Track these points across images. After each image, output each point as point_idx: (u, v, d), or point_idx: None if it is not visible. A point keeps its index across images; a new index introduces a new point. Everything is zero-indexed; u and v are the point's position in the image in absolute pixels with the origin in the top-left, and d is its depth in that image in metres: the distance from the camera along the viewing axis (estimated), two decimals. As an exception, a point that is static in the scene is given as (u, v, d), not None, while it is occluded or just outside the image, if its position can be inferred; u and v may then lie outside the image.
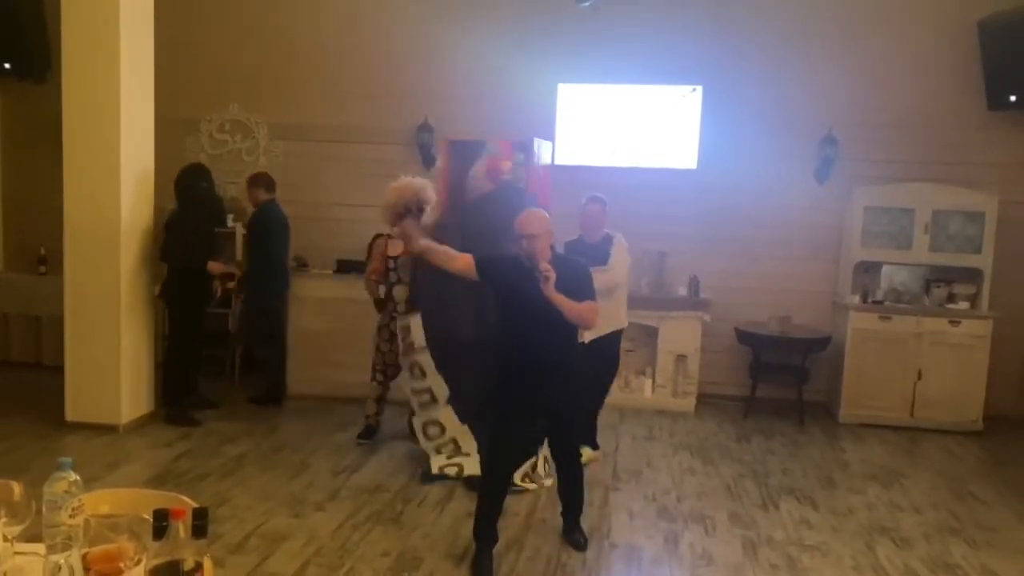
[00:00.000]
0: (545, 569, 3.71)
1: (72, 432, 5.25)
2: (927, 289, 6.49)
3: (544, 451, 4.87)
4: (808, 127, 6.70)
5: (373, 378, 5.43)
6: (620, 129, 6.92)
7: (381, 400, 5.48)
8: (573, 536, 3.96)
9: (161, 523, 1.49)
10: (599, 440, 5.39)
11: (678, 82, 6.80)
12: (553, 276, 3.39)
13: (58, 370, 5.58)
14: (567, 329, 3.65)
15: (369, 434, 5.44)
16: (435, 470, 4.73)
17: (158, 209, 5.79)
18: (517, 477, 4.59)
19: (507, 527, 4.11)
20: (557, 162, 6.21)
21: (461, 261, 3.71)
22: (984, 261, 6.32)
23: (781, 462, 5.39)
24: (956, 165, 6.54)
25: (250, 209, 6.26)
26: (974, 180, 6.46)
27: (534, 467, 4.73)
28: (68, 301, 5.39)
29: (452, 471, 4.71)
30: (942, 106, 6.60)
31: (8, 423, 5.40)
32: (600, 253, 5.07)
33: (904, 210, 6.42)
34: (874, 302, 6.43)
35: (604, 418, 6.25)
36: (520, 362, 3.65)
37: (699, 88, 6.77)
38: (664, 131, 6.86)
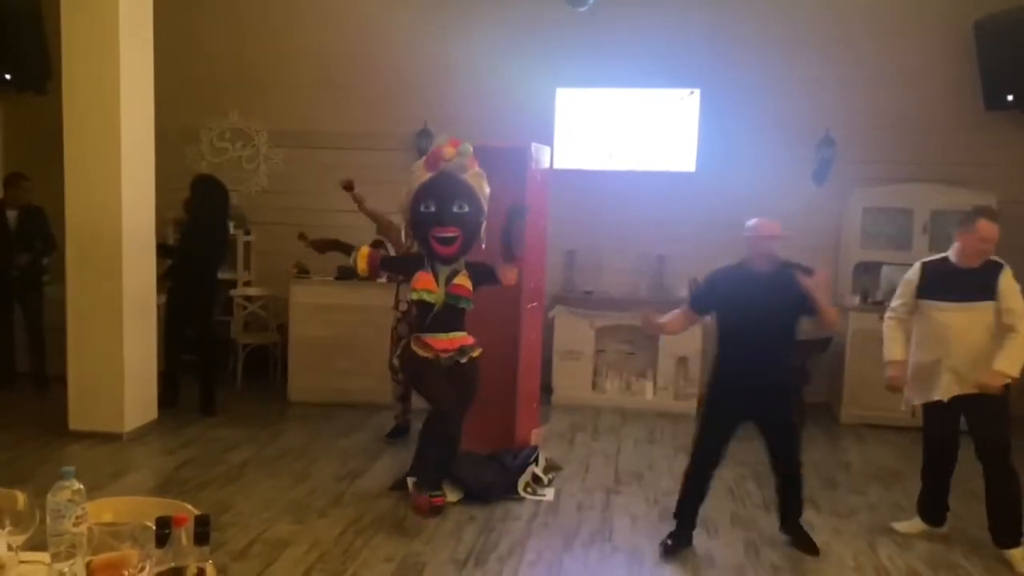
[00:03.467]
0: (547, 572, 3.72)
1: (75, 441, 5.27)
2: (927, 289, 6.49)
3: (542, 464, 4.89)
4: (806, 129, 6.72)
5: (393, 377, 5.49)
6: (618, 133, 6.95)
7: (405, 399, 5.51)
8: (801, 535, 4.00)
9: (164, 530, 1.51)
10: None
11: (676, 85, 6.82)
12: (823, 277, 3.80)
13: (61, 379, 5.60)
14: (790, 342, 3.93)
15: (398, 433, 5.49)
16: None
17: (159, 219, 5.82)
18: (520, 487, 4.61)
19: (509, 531, 4.13)
20: (556, 166, 6.24)
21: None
22: (983, 261, 6.32)
23: (783, 463, 5.39)
24: (954, 165, 6.55)
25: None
26: (972, 180, 6.48)
27: (535, 478, 4.74)
28: (71, 310, 5.41)
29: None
30: (939, 107, 6.62)
31: (11, 432, 5.42)
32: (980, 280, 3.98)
33: (903, 211, 6.43)
34: (874, 303, 6.43)
35: (604, 421, 6.28)
36: (744, 375, 3.84)
37: (697, 91, 6.79)
38: (662, 134, 6.88)
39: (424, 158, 4.13)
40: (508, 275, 4.21)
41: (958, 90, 6.56)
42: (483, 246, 4.21)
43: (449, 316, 4.18)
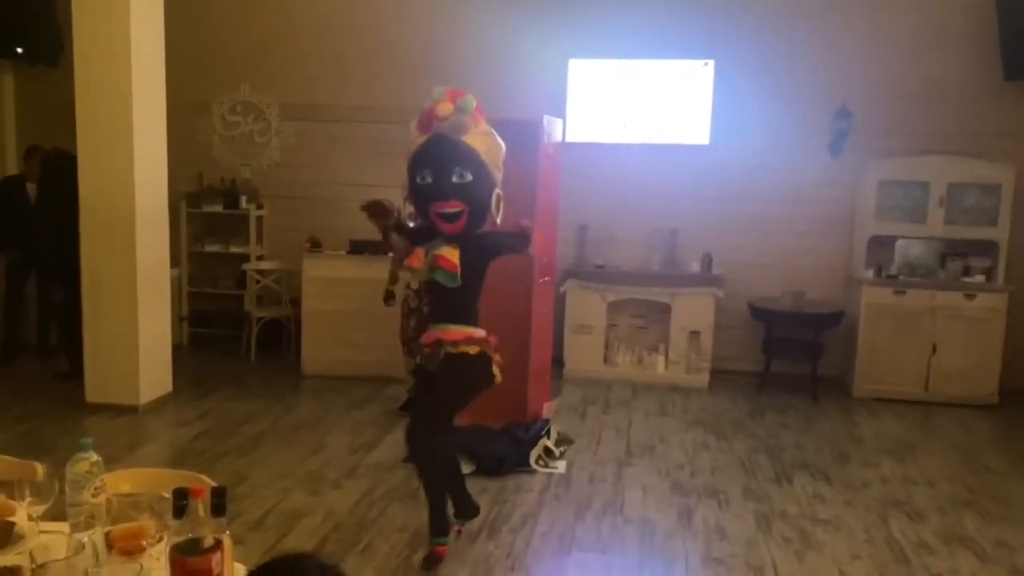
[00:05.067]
0: (559, 544, 3.75)
1: (92, 413, 5.33)
2: (942, 263, 6.45)
3: (554, 437, 4.91)
4: (821, 100, 6.64)
5: (405, 352, 5.51)
6: (632, 105, 6.88)
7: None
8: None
9: (181, 502, 1.53)
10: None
11: (690, 56, 6.74)
12: None
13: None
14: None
15: (409, 406, 5.52)
16: None
17: (172, 192, 5.84)
18: (532, 459, 4.64)
19: (521, 503, 4.16)
20: (568, 139, 6.20)
21: None
22: (1000, 234, 6.27)
23: (795, 437, 5.40)
24: (972, 137, 6.46)
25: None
26: (990, 152, 6.39)
27: (547, 450, 4.77)
28: (85, 284, 5.45)
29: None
30: (957, 77, 6.51)
31: (29, 405, 5.49)
32: None
33: (919, 183, 6.36)
34: (888, 276, 6.39)
35: (616, 394, 6.30)
36: None
37: (711, 62, 6.71)
38: (676, 106, 6.82)
39: (417, 118, 3.40)
40: (536, 241, 3.46)
41: (977, 60, 6.46)
42: (497, 220, 3.48)
43: (440, 301, 3.51)
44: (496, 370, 3.51)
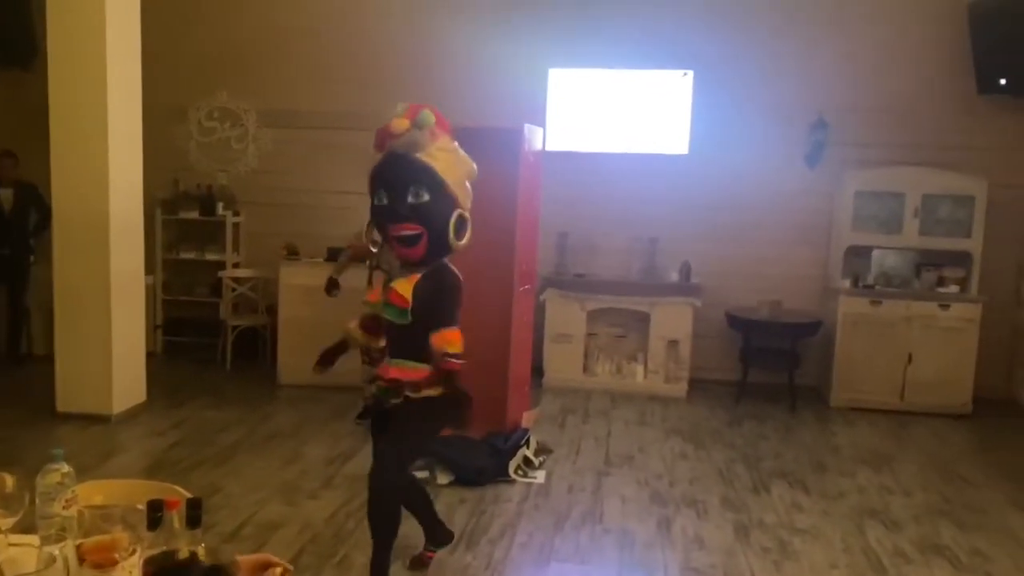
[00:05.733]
0: (538, 554, 3.73)
1: (64, 423, 5.23)
2: (917, 273, 6.52)
3: (533, 447, 4.90)
4: (799, 112, 6.71)
5: (363, 360, 5.45)
6: (611, 114, 6.91)
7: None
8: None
9: (155, 513, 1.49)
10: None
11: (669, 67, 6.79)
12: None
13: (42, 360, 5.56)
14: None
15: (367, 415, 5.46)
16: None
17: (148, 197, 5.77)
18: (511, 469, 4.61)
19: (501, 513, 4.14)
20: (548, 148, 6.20)
21: None
22: (974, 245, 6.35)
23: (772, 446, 5.43)
24: (946, 149, 6.55)
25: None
26: (964, 164, 6.48)
27: (526, 460, 4.74)
28: (58, 291, 5.36)
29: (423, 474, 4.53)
30: (932, 90, 6.61)
31: (-1, 414, 5.39)
32: None
33: (894, 194, 6.43)
34: (864, 286, 6.45)
35: (595, 403, 6.29)
36: None
37: (690, 73, 6.76)
38: (656, 116, 6.85)
39: (447, 128, 3.16)
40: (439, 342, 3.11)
41: (951, 73, 6.56)
42: (460, 244, 3.15)
43: (394, 336, 3.19)
44: (463, 407, 3.17)
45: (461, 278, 3.17)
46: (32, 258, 6.62)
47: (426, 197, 3.03)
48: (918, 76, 6.61)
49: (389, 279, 3.19)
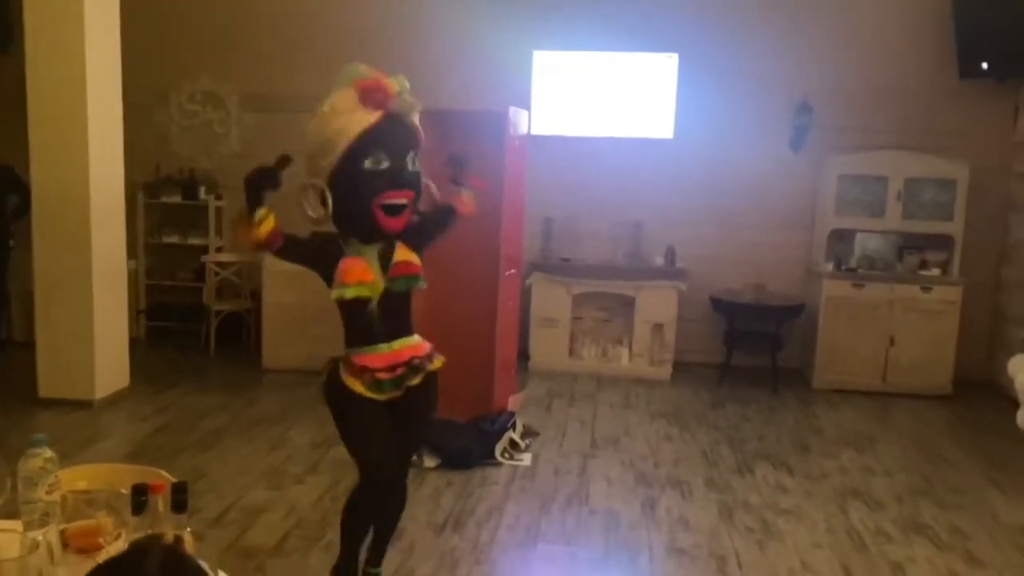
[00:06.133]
0: (525, 536, 3.75)
1: (46, 408, 5.19)
2: (900, 256, 6.57)
3: (519, 430, 4.91)
4: (783, 95, 6.72)
5: None
6: (597, 97, 6.89)
7: None
8: None
9: (140, 498, 1.49)
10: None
11: (654, 49, 6.77)
12: None
13: (23, 345, 5.51)
14: None
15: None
16: None
17: (129, 182, 5.71)
18: (497, 452, 4.63)
19: (487, 496, 4.15)
20: (533, 132, 6.18)
21: None
22: (955, 228, 6.40)
23: (756, 428, 5.47)
24: (929, 134, 6.59)
25: None
26: (947, 148, 6.52)
27: (512, 443, 4.76)
28: (38, 277, 5.30)
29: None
30: (915, 74, 6.63)
31: (-20, 400, 5.34)
32: None
33: (877, 178, 6.47)
34: (847, 270, 6.49)
35: (581, 387, 6.31)
36: None
37: (675, 56, 6.74)
38: (641, 100, 6.84)
39: (354, 90, 2.76)
40: (465, 202, 3.10)
41: (934, 59, 6.58)
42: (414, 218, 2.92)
43: (392, 314, 2.89)
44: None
45: None
46: (12, 243, 6.54)
47: (418, 165, 2.86)
48: (901, 61, 6.63)
49: (359, 256, 2.83)
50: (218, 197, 7.24)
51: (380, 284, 2.83)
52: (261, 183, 2.91)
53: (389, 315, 2.89)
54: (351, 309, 2.90)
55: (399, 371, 2.86)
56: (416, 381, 2.88)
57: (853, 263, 6.56)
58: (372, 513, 3.01)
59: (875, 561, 3.60)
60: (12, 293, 6.69)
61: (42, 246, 5.27)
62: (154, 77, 7.08)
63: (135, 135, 5.78)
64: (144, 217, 7.20)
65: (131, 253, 6.20)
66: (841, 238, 6.61)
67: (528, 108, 6.03)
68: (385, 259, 2.85)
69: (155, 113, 7.29)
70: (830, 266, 6.50)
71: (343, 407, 2.89)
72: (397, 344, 2.90)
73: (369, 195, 2.76)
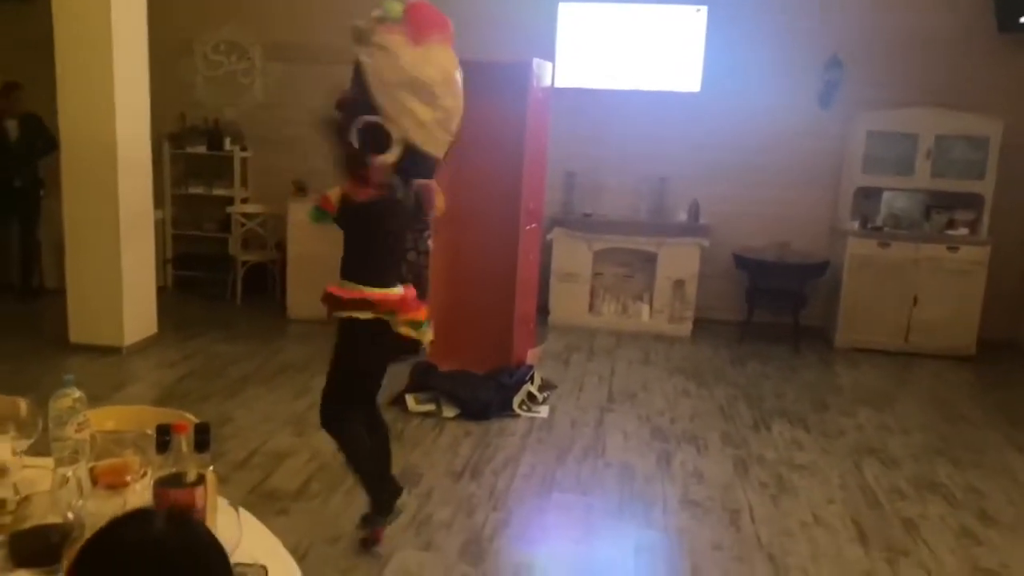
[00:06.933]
0: (540, 485, 3.82)
1: (76, 354, 5.33)
2: (927, 215, 6.48)
3: (537, 383, 4.96)
4: (814, 50, 6.58)
5: None
6: (622, 50, 6.79)
7: None
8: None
9: (164, 437, 1.54)
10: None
11: (683, 2, 6.64)
12: None
13: (53, 293, 5.64)
14: None
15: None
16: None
17: (155, 132, 5.75)
18: (515, 404, 4.69)
19: (504, 446, 4.22)
20: (557, 84, 6.12)
21: None
22: (986, 187, 6.28)
23: (775, 385, 5.48)
24: (962, 90, 6.43)
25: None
26: (980, 105, 6.37)
27: (530, 396, 4.81)
28: (68, 225, 5.40)
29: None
30: (950, 28, 6.45)
31: (12, 344, 5.48)
32: None
33: (907, 135, 6.35)
34: (873, 228, 6.42)
35: (600, 342, 6.34)
36: None
37: (704, 8, 6.61)
38: (667, 52, 6.73)
39: (421, 29, 2.87)
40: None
41: (970, 11, 6.40)
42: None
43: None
44: (410, 334, 3.03)
45: None
46: (42, 192, 6.65)
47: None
48: (937, 14, 6.45)
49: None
50: (243, 148, 7.28)
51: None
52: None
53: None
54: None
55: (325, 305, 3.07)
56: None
57: (879, 221, 6.48)
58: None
59: (887, 517, 3.64)
60: (43, 242, 6.83)
61: (71, 196, 5.36)
62: (178, 27, 7.08)
63: (160, 85, 5.80)
64: (170, 167, 7.27)
65: (158, 203, 6.27)
66: (867, 196, 6.52)
67: (552, 60, 5.96)
68: None
69: (180, 63, 7.30)
70: (855, 224, 6.43)
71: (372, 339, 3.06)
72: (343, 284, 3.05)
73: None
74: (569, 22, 6.79)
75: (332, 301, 3.01)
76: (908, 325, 6.33)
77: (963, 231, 6.32)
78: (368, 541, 3.16)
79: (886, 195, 6.50)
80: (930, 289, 6.27)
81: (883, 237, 6.34)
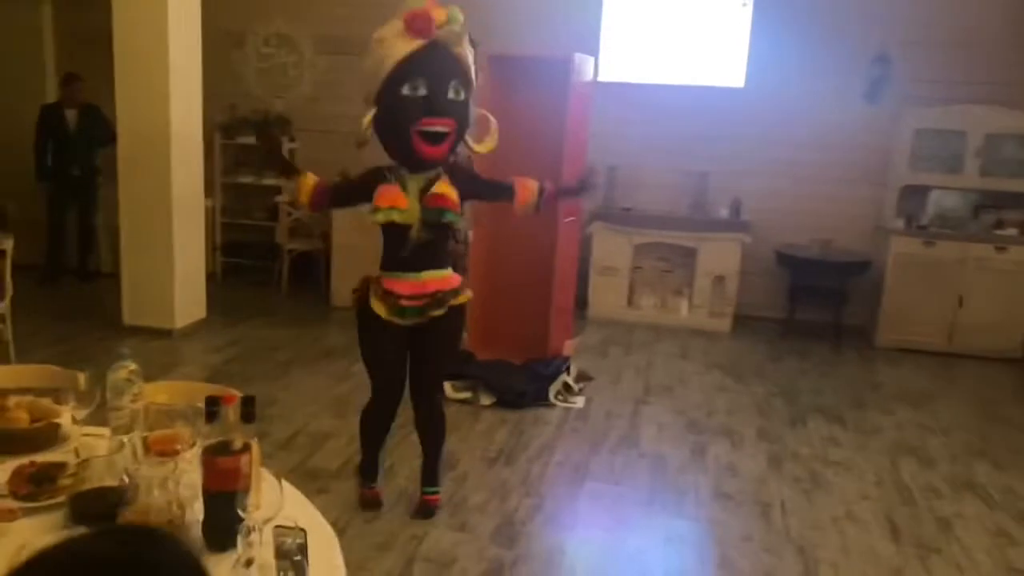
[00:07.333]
0: (574, 473, 3.88)
1: (129, 335, 5.52)
2: (975, 214, 6.37)
3: (573, 374, 5.01)
4: (861, 46, 6.50)
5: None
6: (667, 44, 6.79)
7: None
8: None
9: (212, 408, 1.64)
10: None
11: (728, -4, 6.61)
12: None
13: (115, 277, 5.86)
14: None
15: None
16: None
17: (206, 122, 5.93)
18: (551, 394, 4.75)
19: (539, 435, 4.29)
20: (600, 78, 6.16)
21: None
22: (1037, 187, 6.16)
23: (813, 382, 5.46)
24: (1013, 87, 6.30)
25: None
26: (1033, 102, 6.24)
27: (566, 386, 4.87)
28: (123, 211, 5.60)
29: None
30: (1001, 24, 6.32)
31: (69, 325, 5.71)
32: None
33: (956, 133, 6.24)
34: (919, 227, 6.33)
35: (638, 336, 6.37)
36: None
37: (750, 2, 6.58)
38: (712, 47, 6.71)
39: (402, 21, 2.92)
40: (527, 196, 3.27)
41: (1021, 5, 6.26)
42: (486, 148, 3.26)
43: (424, 245, 3.05)
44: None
45: None
46: (99, 180, 6.89)
47: (462, 95, 3.02)
48: (987, 9, 6.32)
49: (402, 184, 3.04)
50: (291, 139, 7.44)
51: (415, 212, 3.00)
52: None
53: (421, 245, 3.05)
54: (388, 233, 3.10)
55: (423, 301, 3.07)
56: (439, 313, 3.09)
57: (926, 220, 6.38)
58: (378, 424, 3.36)
59: (922, 515, 3.62)
60: (100, 228, 7.08)
61: (126, 183, 5.56)
62: (231, 20, 7.26)
63: (213, 76, 5.97)
64: (220, 157, 7.47)
65: (208, 191, 6.45)
66: (913, 194, 6.43)
67: (596, 54, 6.00)
68: (426, 191, 3.03)
69: (232, 55, 7.49)
70: (900, 223, 6.35)
71: (366, 326, 3.18)
72: (425, 275, 3.09)
73: (407, 121, 2.95)
74: (614, 16, 6.80)
75: (436, 295, 3.10)
76: (952, 325, 6.24)
77: (1012, 231, 6.20)
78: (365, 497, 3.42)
79: (934, 194, 6.41)
80: (976, 289, 6.17)
81: (928, 236, 6.25)
